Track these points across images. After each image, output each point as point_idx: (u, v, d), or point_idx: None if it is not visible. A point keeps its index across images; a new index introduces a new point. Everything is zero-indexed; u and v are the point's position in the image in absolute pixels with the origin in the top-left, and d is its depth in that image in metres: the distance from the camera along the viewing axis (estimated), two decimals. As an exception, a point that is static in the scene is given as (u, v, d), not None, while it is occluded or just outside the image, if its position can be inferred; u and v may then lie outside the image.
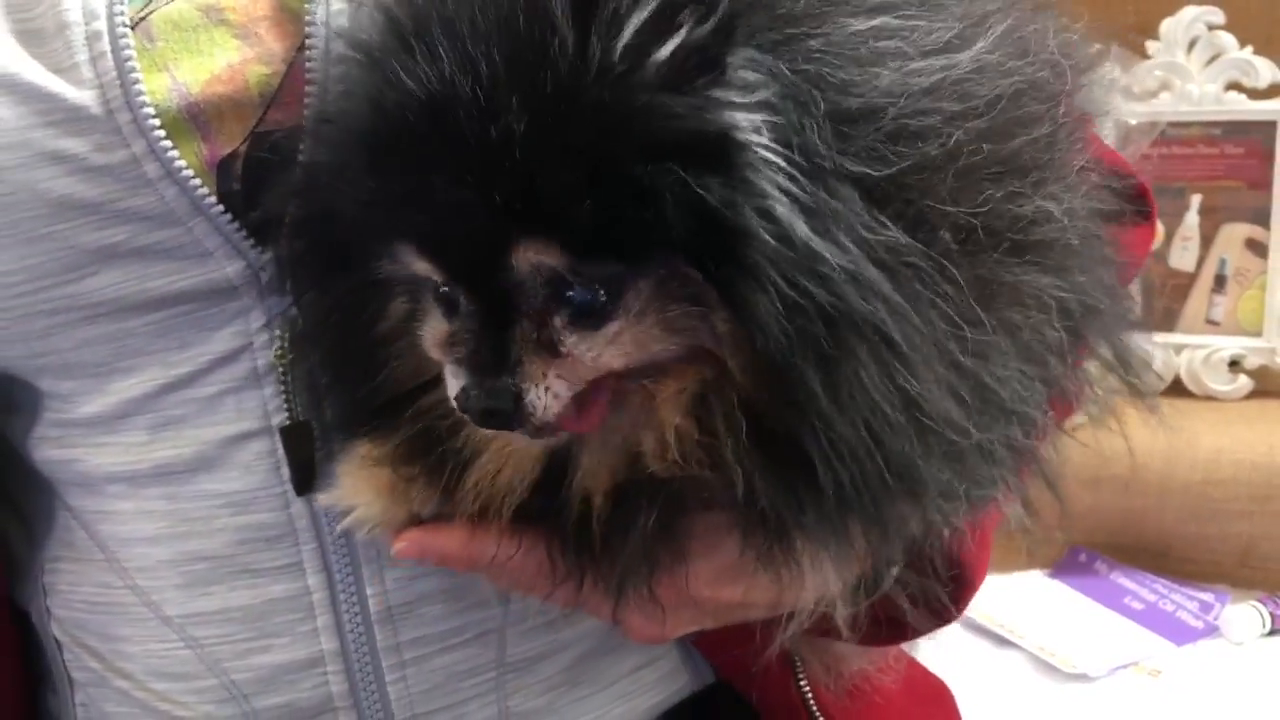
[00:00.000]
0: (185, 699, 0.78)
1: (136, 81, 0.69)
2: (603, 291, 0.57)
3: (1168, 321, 1.80)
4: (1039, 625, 1.49)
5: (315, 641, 0.76)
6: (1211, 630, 1.51)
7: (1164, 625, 1.52)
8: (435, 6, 0.57)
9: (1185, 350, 1.77)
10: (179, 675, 0.78)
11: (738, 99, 0.54)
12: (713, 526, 0.65)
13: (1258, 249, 1.78)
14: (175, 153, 0.69)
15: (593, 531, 0.64)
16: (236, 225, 0.71)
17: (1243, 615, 1.49)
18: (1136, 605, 1.56)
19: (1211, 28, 1.77)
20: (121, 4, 0.71)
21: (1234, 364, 1.76)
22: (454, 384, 0.59)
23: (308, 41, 0.71)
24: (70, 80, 0.69)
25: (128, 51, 0.69)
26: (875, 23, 0.56)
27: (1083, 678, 1.42)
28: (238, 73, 0.71)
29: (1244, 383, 1.75)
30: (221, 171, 0.71)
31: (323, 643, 0.76)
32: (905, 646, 0.87)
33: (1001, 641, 1.46)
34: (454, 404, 0.59)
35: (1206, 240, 1.81)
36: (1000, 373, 0.58)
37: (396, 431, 0.68)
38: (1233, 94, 1.77)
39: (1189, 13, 1.78)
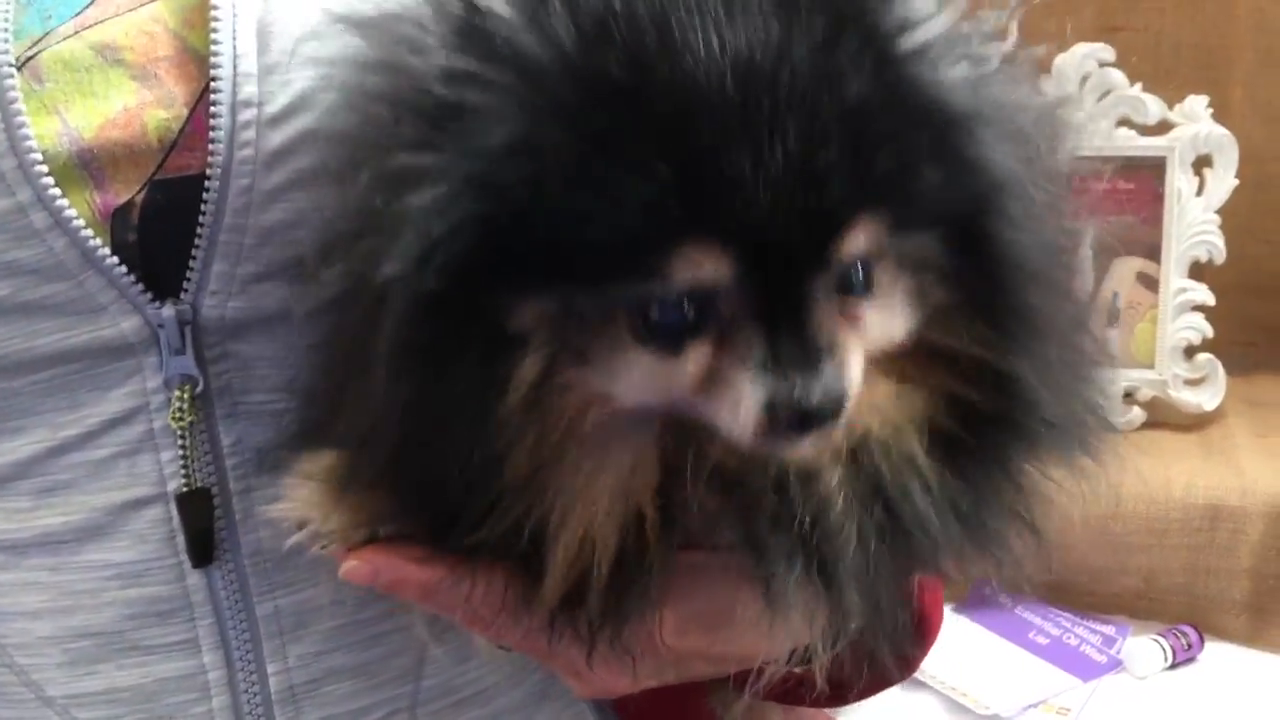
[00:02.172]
0: (68, 789, 0.72)
1: (23, 125, 0.64)
2: (861, 268, 0.54)
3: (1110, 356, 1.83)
4: (949, 664, 1.49)
5: None
6: (1115, 664, 1.52)
7: (1069, 660, 1.53)
8: None
9: (1081, 383, 1.79)
10: (61, 763, 0.72)
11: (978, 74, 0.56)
12: (685, 569, 0.60)
13: (1149, 283, 1.81)
14: (65, 201, 0.65)
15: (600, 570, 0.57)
16: (133, 279, 0.66)
17: (1145, 650, 1.51)
18: (1042, 640, 1.57)
19: (1102, 64, 1.80)
20: (6, 42, 0.66)
21: (1128, 396, 1.78)
22: (753, 399, 0.51)
23: (213, 85, 0.66)
24: None
25: (12, 94, 0.64)
26: None
27: (994, 719, 1.42)
28: (135, 117, 0.66)
29: (1137, 414, 1.78)
30: (117, 222, 0.66)
31: None
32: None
33: (913, 683, 1.44)
34: (752, 429, 0.52)
35: (1100, 274, 1.83)
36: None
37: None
38: (1123, 130, 1.80)
39: (1080, 50, 1.80)
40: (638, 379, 0.53)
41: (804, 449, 0.55)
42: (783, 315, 0.52)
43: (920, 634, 0.77)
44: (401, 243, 0.51)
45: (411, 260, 0.50)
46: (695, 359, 0.53)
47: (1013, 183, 0.55)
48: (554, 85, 0.50)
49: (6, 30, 0.67)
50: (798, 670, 0.68)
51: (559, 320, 0.53)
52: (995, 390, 0.58)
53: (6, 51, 0.66)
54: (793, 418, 0.52)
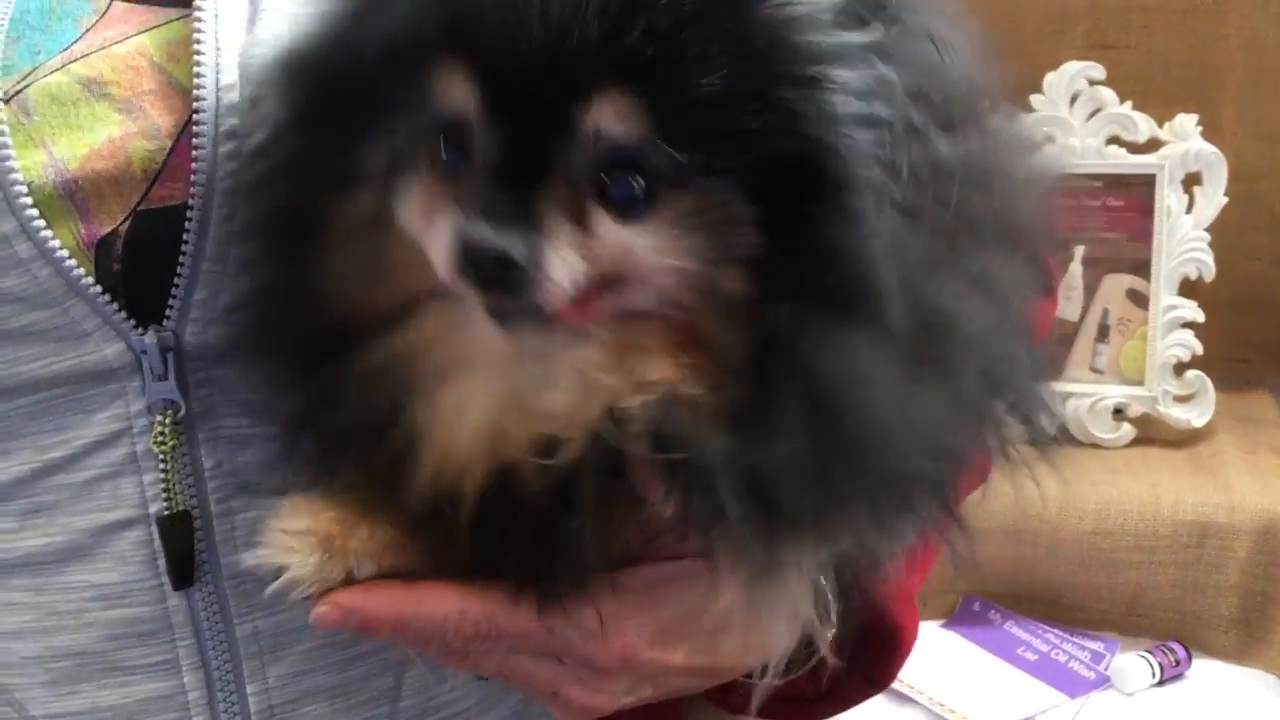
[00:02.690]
0: (50, 807, 0.73)
1: (8, 158, 0.65)
2: (644, 184, 0.52)
3: (1053, 370, 1.83)
4: (936, 679, 1.49)
5: None
6: (1103, 680, 1.53)
7: (1057, 677, 1.53)
8: None
9: (1071, 399, 1.80)
10: (44, 781, 0.73)
11: (864, 72, 0.52)
12: (655, 579, 0.62)
13: (1139, 299, 1.82)
14: (49, 232, 0.66)
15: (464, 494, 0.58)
16: (116, 306, 0.67)
17: (1133, 666, 1.51)
18: (1030, 656, 1.57)
19: (1092, 83, 1.81)
20: None
21: (1118, 412, 1.79)
22: (452, 233, 0.52)
23: (196, 117, 0.67)
24: None
25: None
26: None
27: (981, 734, 1.43)
28: (119, 148, 0.67)
29: (1127, 430, 1.78)
30: (101, 251, 0.67)
31: None
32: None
33: (900, 698, 1.45)
34: (446, 261, 0.53)
35: (1090, 290, 1.84)
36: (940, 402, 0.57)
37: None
38: (1113, 148, 1.81)
39: (1071, 68, 1.81)
40: (413, 208, 0.56)
41: (505, 316, 0.55)
42: (511, 169, 0.52)
43: (895, 644, 0.77)
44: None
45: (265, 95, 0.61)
46: (428, 190, 0.55)
47: (854, 172, 0.51)
48: None
49: None
50: (778, 682, 0.68)
51: (386, 161, 0.56)
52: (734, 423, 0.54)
53: None
54: (478, 262, 0.52)
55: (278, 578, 0.63)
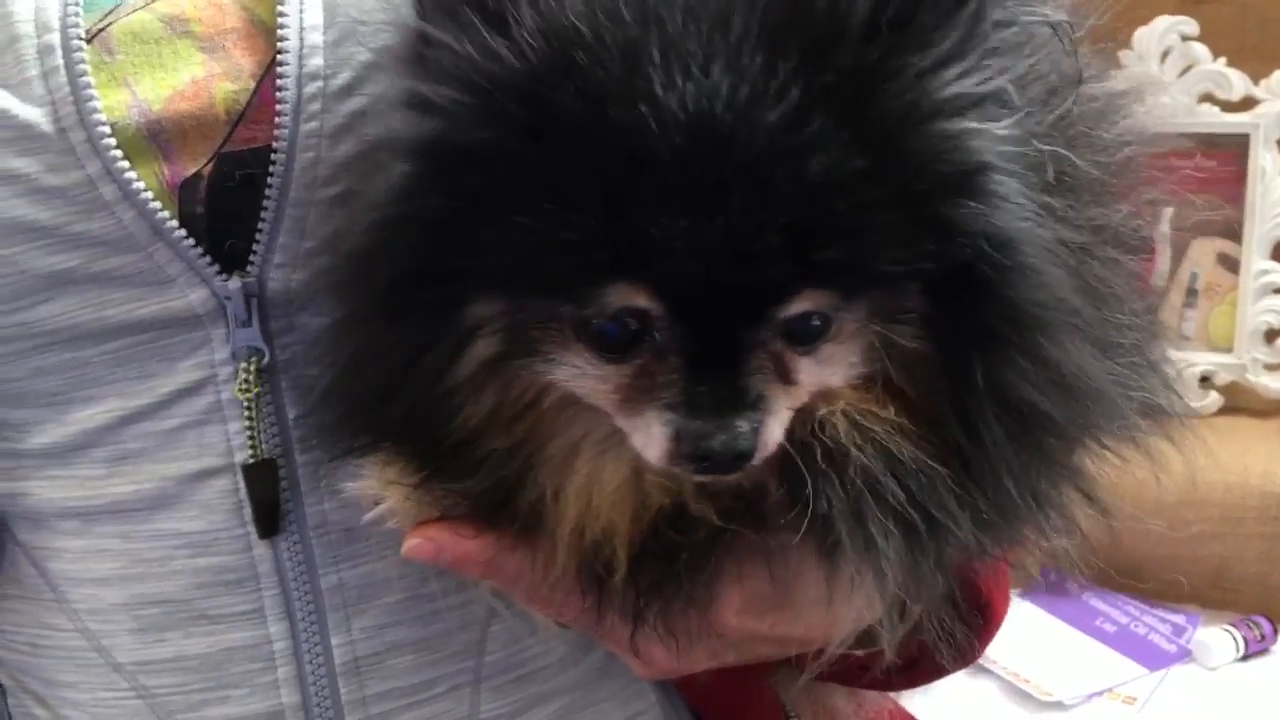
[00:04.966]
0: (135, 752, 0.73)
1: (91, 99, 0.65)
2: (820, 318, 0.54)
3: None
4: (1012, 650, 1.47)
5: (275, 694, 0.72)
6: (1184, 654, 1.50)
7: (1137, 649, 1.51)
8: None
9: (1156, 365, 1.76)
10: (129, 727, 0.73)
11: (996, 126, 0.53)
12: (745, 552, 0.61)
13: (1229, 264, 1.77)
14: (133, 174, 0.65)
15: (616, 553, 0.60)
16: (200, 251, 0.67)
17: (1216, 640, 1.48)
18: (1109, 628, 1.55)
19: (1185, 39, 1.76)
20: (77, 15, 0.66)
21: (1205, 380, 1.75)
22: (663, 432, 0.53)
23: (280, 57, 0.66)
24: (20, 96, 0.65)
25: (81, 66, 0.65)
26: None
27: (1058, 705, 1.41)
28: (203, 88, 0.67)
29: (1215, 399, 1.74)
30: (185, 194, 0.67)
31: (283, 696, 0.72)
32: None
33: (976, 669, 1.43)
34: (663, 453, 0.54)
35: (1178, 254, 1.79)
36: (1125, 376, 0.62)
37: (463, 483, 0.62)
38: (1206, 106, 1.75)
39: (1162, 23, 1.76)
40: (576, 378, 0.56)
41: (715, 481, 0.57)
42: (709, 357, 0.53)
43: (984, 621, 0.76)
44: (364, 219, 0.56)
45: (370, 237, 0.56)
46: (623, 374, 0.54)
47: (1014, 241, 0.54)
48: (505, 103, 0.51)
49: (78, 3, 0.67)
50: (859, 653, 0.67)
51: (510, 314, 0.55)
52: (945, 453, 0.57)
53: (77, 24, 0.66)
54: (696, 457, 0.53)
55: (374, 507, 0.64)
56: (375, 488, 0.64)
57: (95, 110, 0.65)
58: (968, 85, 0.52)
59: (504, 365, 0.57)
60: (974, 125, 0.52)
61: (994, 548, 0.64)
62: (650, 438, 0.54)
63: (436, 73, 0.52)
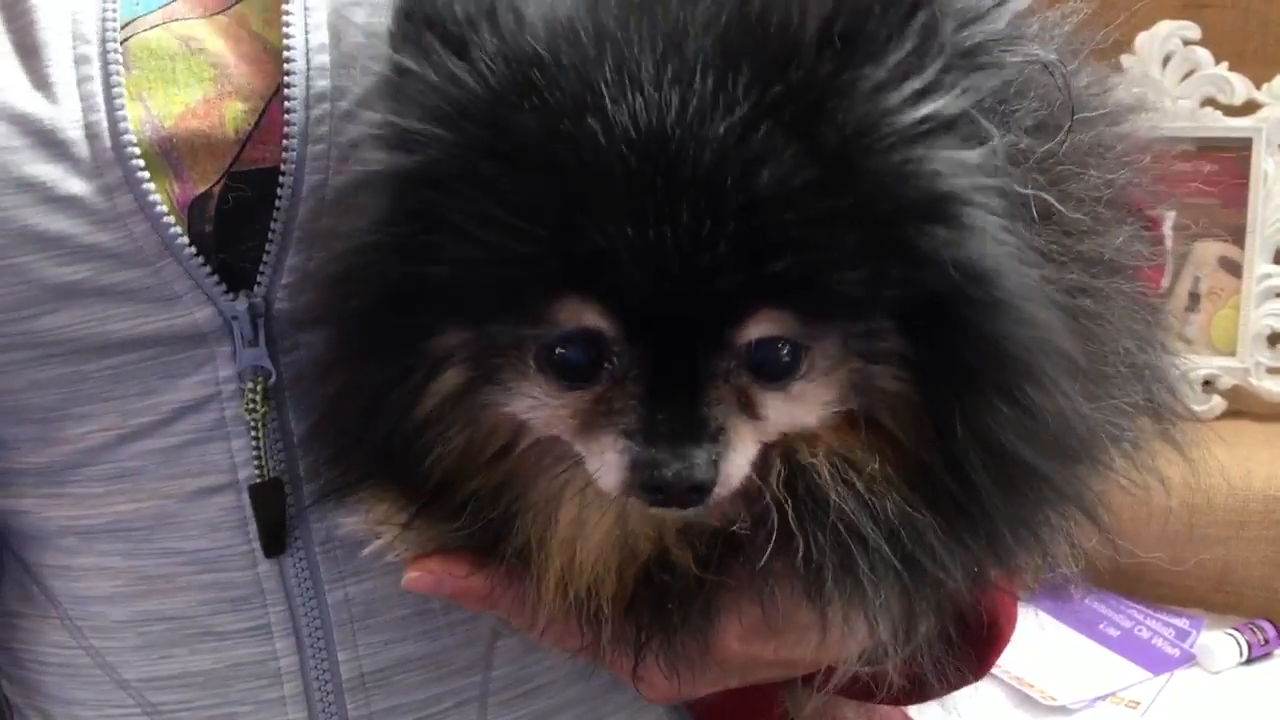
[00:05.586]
0: (142, 769, 0.73)
1: (122, 108, 0.65)
2: (791, 350, 0.53)
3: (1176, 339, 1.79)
4: (1015, 654, 1.46)
5: (282, 710, 0.72)
6: (1187, 658, 1.49)
7: (1140, 653, 1.50)
8: (633, 12, 0.51)
9: (1159, 369, 1.75)
10: (136, 744, 0.73)
11: (968, 154, 0.52)
12: (745, 580, 0.60)
13: (1231, 267, 1.76)
14: (151, 185, 0.65)
15: (602, 607, 0.59)
16: (208, 269, 0.67)
17: (1220, 644, 1.48)
18: (1113, 632, 1.54)
19: (1187, 43, 1.75)
20: (115, 24, 0.66)
21: (1207, 384, 1.74)
22: (618, 460, 0.53)
23: (286, 79, 0.66)
24: (48, 99, 0.65)
25: (117, 78, 0.65)
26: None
27: (1062, 710, 1.41)
28: (213, 107, 0.67)
29: (1217, 403, 1.74)
30: (194, 212, 0.67)
31: (289, 712, 0.72)
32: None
33: (980, 673, 1.43)
34: (618, 481, 0.53)
35: (1180, 258, 1.79)
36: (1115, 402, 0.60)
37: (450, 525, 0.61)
38: (1208, 110, 1.75)
39: (1164, 27, 1.76)
40: (534, 408, 0.55)
41: (674, 515, 0.56)
42: (669, 384, 0.52)
43: (990, 638, 0.76)
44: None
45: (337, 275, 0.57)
46: (579, 401, 0.54)
47: (991, 274, 0.52)
48: (467, 125, 0.52)
49: (116, 7, 0.67)
50: (866, 671, 0.67)
51: (475, 343, 0.55)
52: (936, 499, 0.56)
53: (115, 31, 0.66)
54: (650, 487, 0.52)
55: (374, 539, 0.64)
56: (369, 525, 0.64)
57: (124, 119, 0.65)
58: (930, 105, 0.51)
59: (470, 399, 0.57)
60: (944, 152, 0.52)
61: (991, 581, 0.64)
62: (605, 464, 0.53)
63: (408, 102, 0.53)
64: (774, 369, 0.53)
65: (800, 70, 0.50)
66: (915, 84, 0.51)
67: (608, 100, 0.49)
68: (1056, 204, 0.56)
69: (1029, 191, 0.55)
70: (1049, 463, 0.56)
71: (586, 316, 0.52)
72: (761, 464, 0.56)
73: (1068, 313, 0.56)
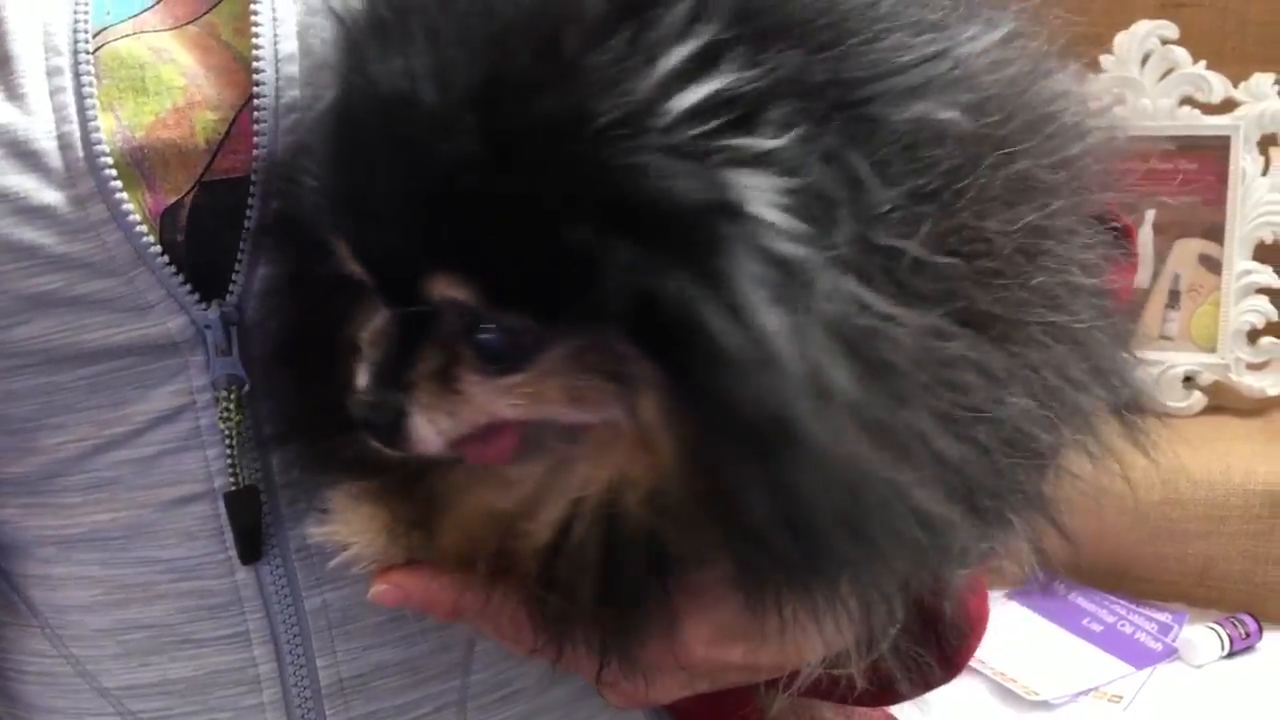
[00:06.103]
0: (122, 777, 0.73)
1: (94, 118, 0.65)
2: (513, 341, 0.53)
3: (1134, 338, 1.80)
4: (998, 650, 1.48)
5: (261, 717, 0.72)
6: (1170, 652, 1.50)
7: (1123, 648, 1.51)
8: None
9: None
10: (115, 752, 0.73)
11: (755, 173, 0.47)
12: (709, 582, 0.59)
13: (1211, 265, 1.78)
14: (124, 194, 0.65)
15: (577, 585, 0.58)
16: (180, 279, 0.67)
17: (1202, 638, 1.49)
18: (1095, 627, 1.55)
19: (1165, 42, 1.76)
20: (86, 35, 0.67)
21: (1188, 380, 1.76)
22: (354, 394, 0.57)
23: (256, 89, 0.67)
24: (21, 111, 0.65)
25: (89, 88, 0.65)
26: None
27: (1044, 705, 1.41)
28: (184, 117, 0.67)
29: (1198, 399, 1.75)
30: (165, 222, 0.67)
31: (269, 718, 0.72)
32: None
33: (963, 670, 1.44)
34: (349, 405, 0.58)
35: (1160, 255, 1.80)
36: (1023, 422, 0.54)
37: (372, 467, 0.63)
38: (1186, 109, 1.76)
39: (1142, 27, 1.77)
40: (366, 331, 0.59)
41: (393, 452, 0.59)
42: (390, 332, 0.57)
43: (965, 633, 0.76)
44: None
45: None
46: (373, 331, 0.58)
47: (711, 333, 0.46)
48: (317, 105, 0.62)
49: (87, 18, 0.68)
50: (836, 673, 0.67)
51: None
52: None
53: (87, 42, 0.66)
54: (355, 418, 0.57)
55: (343, 551, 0.65)
56: (343, 533, 0.65)
57: (97, 129, 0.65)
58: (696, 89, 0.46)
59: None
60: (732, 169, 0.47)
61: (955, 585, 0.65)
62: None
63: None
64: (491, 351, 0.54)
65: (527, 52, 0.48)
66: (669, 61, 0.46)
67: (371, 61, 0.53)
68: (923, 253, 0.50)
69: (887, 243, 0.49)
70: (801, 553, 0.51)
71: (348, 261, 0.57)
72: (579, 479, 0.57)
73: (924, 362, 0.49)
